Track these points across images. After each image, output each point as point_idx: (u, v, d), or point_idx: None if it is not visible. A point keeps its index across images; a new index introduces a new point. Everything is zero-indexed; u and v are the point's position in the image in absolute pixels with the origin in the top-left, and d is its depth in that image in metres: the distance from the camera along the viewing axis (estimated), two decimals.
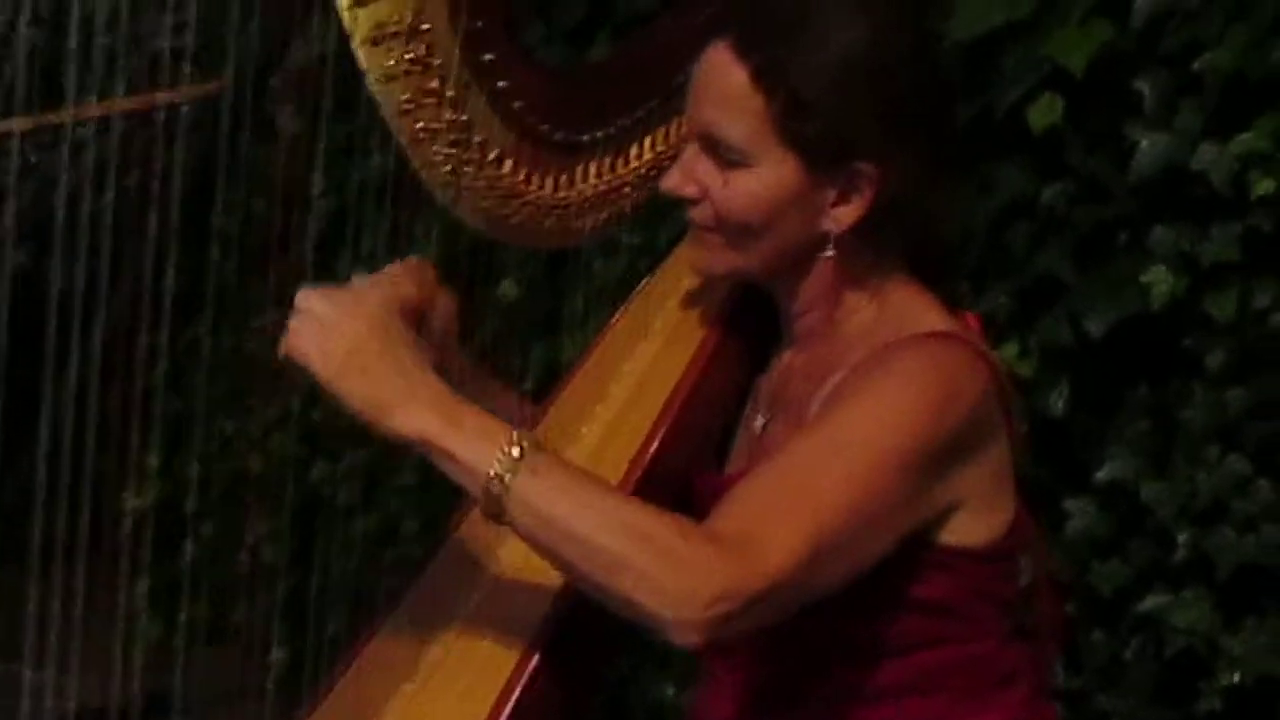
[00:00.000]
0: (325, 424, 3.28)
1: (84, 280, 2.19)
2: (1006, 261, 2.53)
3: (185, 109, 2.68)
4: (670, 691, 2.95)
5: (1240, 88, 2.35)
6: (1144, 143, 2.41)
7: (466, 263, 1.89)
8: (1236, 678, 2.39)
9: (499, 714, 1.56)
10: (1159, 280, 2.40)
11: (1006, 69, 2.49)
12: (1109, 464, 2.49)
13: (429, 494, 3.17)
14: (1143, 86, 2.42)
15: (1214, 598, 2.41)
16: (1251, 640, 2.39)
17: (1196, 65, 2.37)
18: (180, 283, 2.41)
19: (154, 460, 3.30)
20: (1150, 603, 2.45)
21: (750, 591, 1.42)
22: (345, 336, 1.48)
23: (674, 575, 1.42)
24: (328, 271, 2.64)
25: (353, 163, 2.54)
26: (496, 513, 1.47)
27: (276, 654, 3.17)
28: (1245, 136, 2.34)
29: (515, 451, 1.44)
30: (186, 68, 2.68)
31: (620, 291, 1.91)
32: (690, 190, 1.62)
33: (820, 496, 1.46)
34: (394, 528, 3.33)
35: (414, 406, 1.47)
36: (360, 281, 1.55)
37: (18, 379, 2.21)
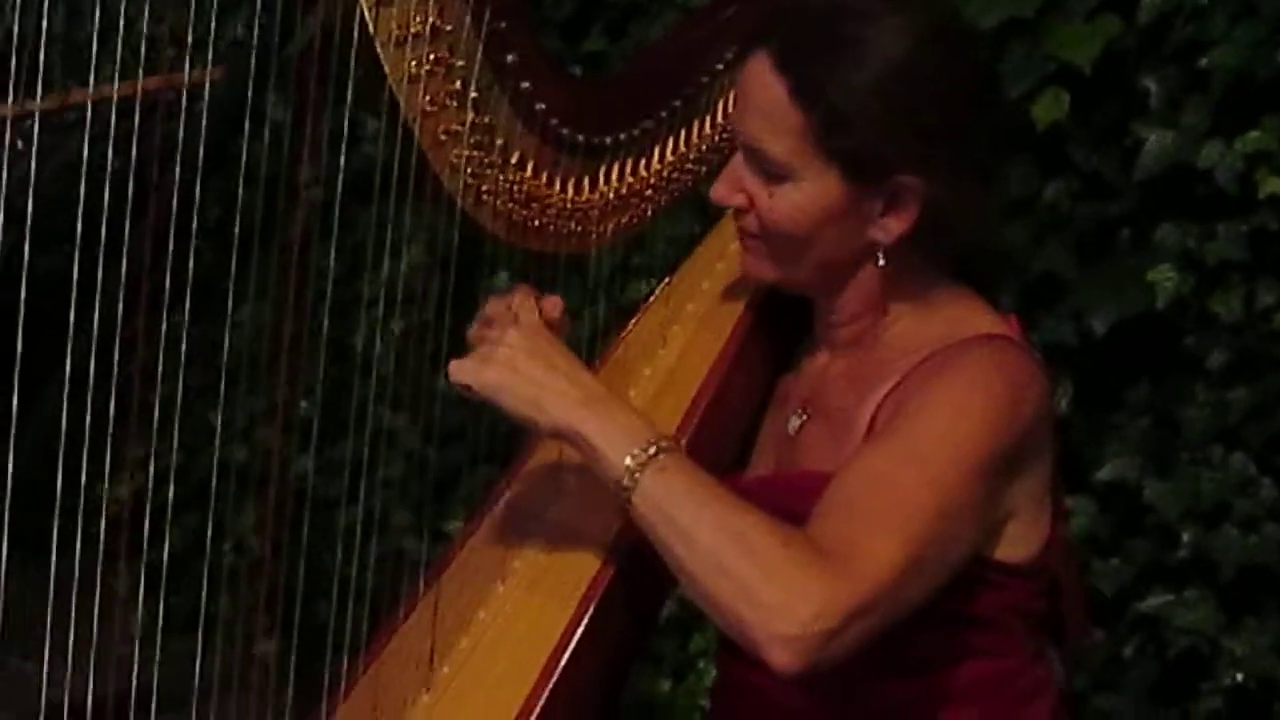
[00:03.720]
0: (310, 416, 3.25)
1: (65, 269, 2.14)
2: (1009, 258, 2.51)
3: (174, 97, 2.63)
4: (665, 686, 2.94)
5: (1247, 86, 2.34)
6: (1150, 140, 2.40)
7: (460, 254, 1.87)
8: (1238, 678, 2.39)
9: None
10: (1165, 279, 2.39)
11: (1010, 64, 2.46)
12: (1110, 463, 2.48)
13: (417, 487, 3.14)
14: (1149, 83, 2.41)
15: (1216, 598, 2.41)
16: (1253, 640, 2.39)
17: (1203, 63, 2.36)
18: (165, 273, 2.37)
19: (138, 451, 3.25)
20: (1151, 603, 2.45)
21: (849, 606, 1.42)
22: (502, 345, 1.55)
23: (772, 588, 1.42)
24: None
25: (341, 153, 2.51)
26: (624, 503, 1.51)
27: (263, 647, 3.14)
28: (1252, 135, 2.34)
29: (651, 450, 1.50)
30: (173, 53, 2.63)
31: (611, 283, 1.90)
32: (738, 200, 1.61)
33: (910, 507, 1.46)
34: (381, 521, 3.29)
35: (565, 402, 1.53)
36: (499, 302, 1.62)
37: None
